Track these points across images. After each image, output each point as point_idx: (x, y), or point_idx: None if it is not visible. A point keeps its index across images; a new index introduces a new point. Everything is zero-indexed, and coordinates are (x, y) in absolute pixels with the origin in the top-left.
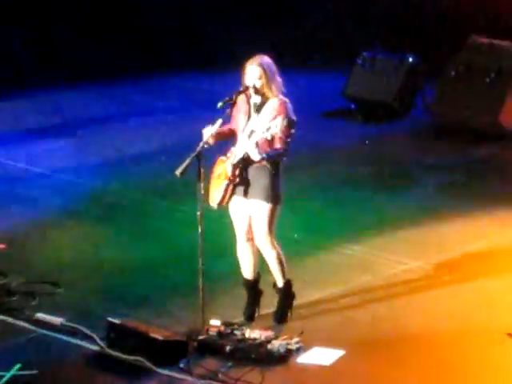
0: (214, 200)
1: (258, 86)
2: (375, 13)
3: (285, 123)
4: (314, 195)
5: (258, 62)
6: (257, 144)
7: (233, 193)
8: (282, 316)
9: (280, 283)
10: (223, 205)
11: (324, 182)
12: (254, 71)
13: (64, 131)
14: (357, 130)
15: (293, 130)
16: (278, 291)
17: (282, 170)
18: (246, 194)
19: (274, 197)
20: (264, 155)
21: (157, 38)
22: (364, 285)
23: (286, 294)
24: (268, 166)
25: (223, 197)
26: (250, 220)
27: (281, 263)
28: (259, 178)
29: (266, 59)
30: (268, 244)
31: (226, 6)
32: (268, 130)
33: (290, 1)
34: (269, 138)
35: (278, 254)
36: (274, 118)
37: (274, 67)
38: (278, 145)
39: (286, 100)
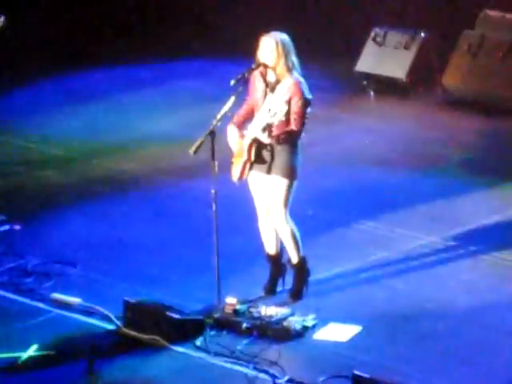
0: (235, 175)
1: (271, 59)
2: None
3: (299, 104)
4: (329, 172)
5: (273, 36)
6: (265, 127)
7: (251, 169)
8: (297, 292)
9: (295, 259)
10: (242, 179)
11: (339, 159)
12: (267, 43)
13: (79, 110)
14: (369, 107)
15: (309, 109)
16: (293, 268)
17: (301, 146)
18: (264, 169)
19: (291, 172)
20: (273, 139)
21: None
22: (380, 260)
23: (301, 271)
24: (286, 143)
25: (241, 173)
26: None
27: (295, 239)
28: (277, 155)
29: (283, 35)
30: (282, 219)
31: None
32: (274, 115)
33: None
34: (276, 123)
35: (292, 230)
36: (288, 98)
37: (290, 45)
38: (292, 125)
39: (301, 79)
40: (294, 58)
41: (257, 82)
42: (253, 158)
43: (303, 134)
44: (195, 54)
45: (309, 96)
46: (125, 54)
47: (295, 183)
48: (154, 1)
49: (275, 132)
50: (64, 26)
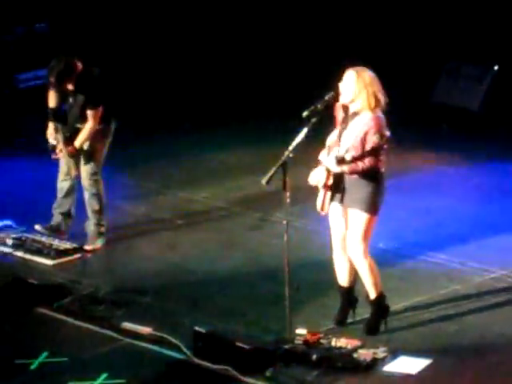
0: (318, 206)
1: (351, 91)
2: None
3: (375, 138)
4: (399, 203)
5: (356, 69)
6: (337, 158)
7: (331, 199)
8: (373, 328)
9: (372, 295)
10: (324, 211)
11: (409, 190)
12: (349, 76)
13: (150, 138)
14: (442, 139)
15: (385, 146)
16: (370, 303)
17: (382, 179)
18: (343, 201)
19: (371, 206)
20: (345, 169)
21: None
22: (450, 293)
23: (379, 307)
24: (363, 177)
25: (322, 203)
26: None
27: (373, 275)
28: (358, 187)
29: (367, 70)
30: (360, 254)
31: None
32: (346, 152)
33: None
34: (348, 158)
35: (371, 265)
36: (363, 134)
37: (374, 80)
38: (366, 161)
39: (380, 115)
40: (378, 94)
41: (339, 112)
42: (332, 187)
43: (383, 169)
44: None
45: (386, 132)
46: None
47: (375, 218)
48: None
49: (348, 166)
50: None
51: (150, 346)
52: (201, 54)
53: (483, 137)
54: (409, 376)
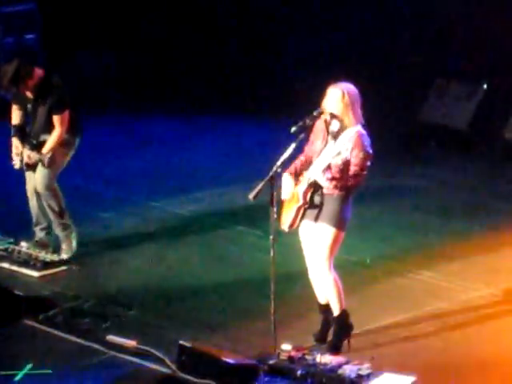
0: (286, 223)
1: (336, 109)
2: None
3: (360, 155)
4: (386, 221)
5: (340, 86)
6: (326, 168)
7: (303, 217)
8: (334, 346)
9: (336, 311)
10: (294, 228)
11: (395, 208)
12: (334, 94)
13: (136, 153)
14: (430, 156)
15: (368, 163)
16: (334, 320)
17: (351, 195)
18: (314, 218)
19: (339, 222)
20: (331, 184)
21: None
22: (436, 311)
23: (342, 324)
24: (338, 192)
25: (293, 220)
26: None
27: (337, 290)
28: (328, 204)
29: (351, 86)
30: (325, 269)
31: None
32: (338, 155)
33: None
34: (339, 162)
35: (335, 281)
36: (350, 149)
37: (357, 96)
38: (352, 178)
39: (364, 132)
40: (358, 109)
41: (319, 129)
42: (307, 204)
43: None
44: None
45: (370, 150)
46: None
47: (342, 234)
48: None
49: (334, 177)
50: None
51: (134, 360)
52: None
53: (471, 155)
54: None
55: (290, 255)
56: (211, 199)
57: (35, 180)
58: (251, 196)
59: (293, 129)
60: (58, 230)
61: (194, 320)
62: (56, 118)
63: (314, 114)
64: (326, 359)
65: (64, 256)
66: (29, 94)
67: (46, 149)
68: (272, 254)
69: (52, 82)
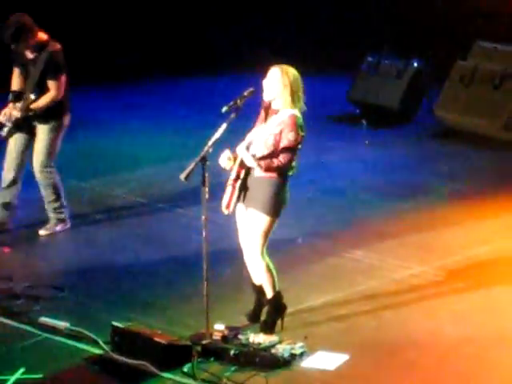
0: (222, 205)
1: (275, 90)
2: (382, 15)
3: (290, 137)
4: (318, 200)
5: (281, 67)
6: (254, 154)
7: (238, 199)
8: (267, 327)
9: (269, 294)
10: (229, 210)
11: (328, 187)
12: (273, 73)
13: (68, 134)
14: (361, 135)
15: (299, 146)
16: (267, 303)
17: (287, 181)
18: (246, 202)
19: (271, 209)
20: (260, 164)
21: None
22: (369, 290)
23: (275, 305)
24: (272, 177)
25: (228, 201)
26: None
27: (270, 274)
28: (261, 188)
29: (292, 70)
30: (258, 255)
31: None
32: (269, 134)
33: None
34: (270, 142)
35: (267, 266)
36: (279, 131)
37: (297, 80)
38: (281, 158)
39: (298, 114)
40: (299, 94)
41: (262, 110)
42: (239, 184)
43: (290, 172)
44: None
45: (301, 132)
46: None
47: (275, 220)
48: None
49: (264, 162)
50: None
51: (67, 341)
52: None
53: (402, 132)
54: (326, 371)
55: (225, 235)
56: (142, 180)
57: (34, 167)
58: (182, 176)
59: (224, 109)
60: (49, 212)
61: (127, 301)
62: (51, 83)
63: (245, 93)
64: (259, 339)
65: (42, 232)
66: (29, 54)
67: (35, 105)
68: (204, 234)
69: (55, 45)
